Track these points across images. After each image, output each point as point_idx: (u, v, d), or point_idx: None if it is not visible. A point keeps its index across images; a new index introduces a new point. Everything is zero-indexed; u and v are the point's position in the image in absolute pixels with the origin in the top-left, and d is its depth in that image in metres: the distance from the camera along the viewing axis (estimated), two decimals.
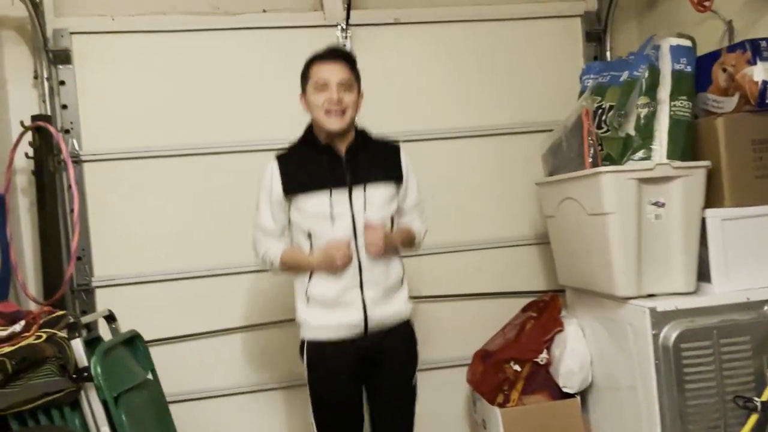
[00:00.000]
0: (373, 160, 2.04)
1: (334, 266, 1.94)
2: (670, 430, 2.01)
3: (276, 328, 2.71)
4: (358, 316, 1.97)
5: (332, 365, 2.00)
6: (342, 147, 2.03)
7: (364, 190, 1.98)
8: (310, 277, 2.00)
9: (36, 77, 2.60)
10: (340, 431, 2.04)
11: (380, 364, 2.02)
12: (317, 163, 2.00)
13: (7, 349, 1.82)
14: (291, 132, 2.69)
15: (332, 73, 1.97)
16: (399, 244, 2.08)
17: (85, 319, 2.08)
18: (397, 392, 2.07)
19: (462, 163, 2.89)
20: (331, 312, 1.99)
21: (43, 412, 1.85)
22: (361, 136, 2.08)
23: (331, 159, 2.00)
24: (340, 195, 1.96)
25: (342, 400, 2.02)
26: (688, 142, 2.19)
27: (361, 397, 2.07)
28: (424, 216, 2.20)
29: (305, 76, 2.04)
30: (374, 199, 1.99)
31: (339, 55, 2.03)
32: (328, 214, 1.95)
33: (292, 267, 2.05)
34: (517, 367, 2.44)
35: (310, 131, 2.06)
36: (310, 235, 1.99)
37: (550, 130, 2.55)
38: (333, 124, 1.97)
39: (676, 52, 2.20)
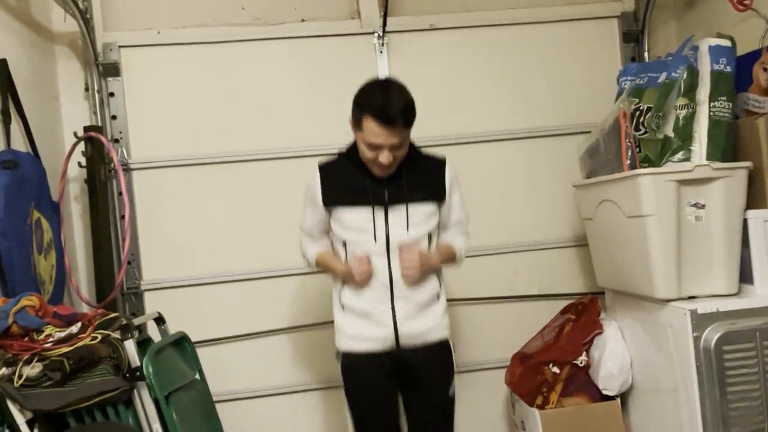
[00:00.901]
0: (416, 178, 2.02)
1: (353, 280, 1.99)
2: None
3: (318, 330, 2.77)
4: (388, 330, 2.00)
5: (367, 377, 2.04)
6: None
7: (406, 210, 1.99)
8: (342, 285, 2.05)
9: (87, 89, 2.72)
10: None
11: (415, 379, 2.04)
12: (358, 179, 2.01)
13: (66, 349, 1.91)
14: (329, 138, 2.79)
15: (385, 140, 1.90)
16: (439, 263, 2.07)
17: (136, 321, 2.16)
18: (435, 406, 2.07)
19: (499, 166, 2.91)
20: (364, 321, 2.03)
21: (98, 409, 1.93)
22: (408, 155, 2.02)
23: (372, 179, 2.00)
24: (377, 212, 1.99)
25: (377, 409, 2.05)
26: (728, 143, 2.18)
27: (398, 406, 2.09)
28: (468, 232, 2.19)
29: (358, 122, 1.95)
30: (412, 219, 2.00)
31: (395, 121, 1.90)
32: (364, 230, 1.99)
33: (324, 269, 2.14)
34: (556, 370, 2.44)
35: (357, 153, 2.01)
36: (345, 244, 2.04)
37: (588, 132, 2.56)
38: (379, 175, 1.98)
39: (715, 52, 2.19)
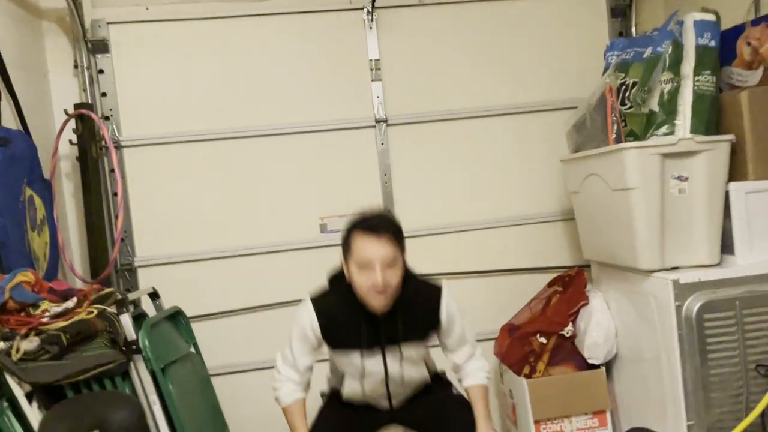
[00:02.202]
0: (411, 317, 1.96)
1: None
2: (693, 399, 2.07)
3: None
4: (384, 407, 2.10)
5: (352, 409, 2.09)
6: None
7: (399, 350, 1.98)
8: (341, 383, 2.08)
9: (76, 66, 2.71)
10: None
11: (410, 415, 2.11)
12: (355, 322, 1.94)
13: (62, 323, 1.94)
14: (320, 114, 2.81)
15: (376, 253, 1.84)
16: (490, 417, 2.06)
17: (131, 296, 2.20)
18: (446, 409, 2.09)
19: (487, 141, 2.94)
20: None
21: (96, 382, 1.97)
22: (403, 288, 1.94)
23: (369, 321, 1.94)
24: (374, 354, 1.97)
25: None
26: (712, 117, 2.22)
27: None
28: (478, 349, 2.13)
29: (347, 246, 1.91)
30: (406, 357, 2.00)
31: (383, 229, 1.88)
32: (360, 370, 1.99)
33: (287, 419, 2.05)
34: (543, 340, 2.50)
35: (350, 287, 1.93)
36: (344, 376, 2.06)
37: (575, 107, 2.59)
38: (376, 304, 1.89)
39: (700, 26, 2.21)
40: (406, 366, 2.01)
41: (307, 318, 1.97)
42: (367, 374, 2.00)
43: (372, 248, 1.85)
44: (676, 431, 2.11)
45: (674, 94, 2.21)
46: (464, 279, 2.93)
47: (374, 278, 1.84)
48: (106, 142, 2.59)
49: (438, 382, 2.18)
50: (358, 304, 1.92)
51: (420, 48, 2.89)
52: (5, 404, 1.90)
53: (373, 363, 1.98)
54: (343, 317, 1.96)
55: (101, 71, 2.72)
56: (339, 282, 1.98)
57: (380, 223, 1.90)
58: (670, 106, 2.22)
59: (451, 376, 2.22)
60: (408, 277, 1.97)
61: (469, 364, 2.09)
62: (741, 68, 2.22)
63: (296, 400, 2.01)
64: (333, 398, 2.16)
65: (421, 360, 2.08)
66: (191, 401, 2.21)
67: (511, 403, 2.64)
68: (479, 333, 2.85)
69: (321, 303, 1.99)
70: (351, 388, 2.06)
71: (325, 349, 2.03)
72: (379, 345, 1.96)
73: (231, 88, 2.80)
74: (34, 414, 1.88)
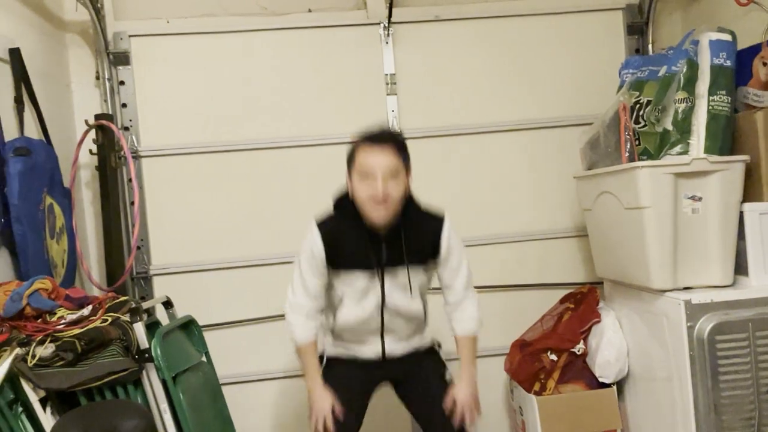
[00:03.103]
0: (413, 239, 1.98)
1: (311, 406, 2.03)
2: (704, 421, 2.05)
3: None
4: (375, 353, 2.09)
5: (346, 379, 2.09)
6: (383, 228, 1.97)
7: (408, 274, 2.00)
8: (335, 316, 2.08)
9: (98, 78, 2.77)
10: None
11: (403, 378, 2.11)
12: (358, 240, 1.97)
13: (77, 331, 1.98)
14: (337, 128, 2.84)
15: (378, 162, 1.86)
16: (475, 369, 2.09)
17: (145, 305, 2.23)
18: (435, 393, 2.09)
19: (502, 156, 2.95)
20: (350, 347, 2.11)
21: (108, 389, 2.00)
22: (406, 209, 1.98)
23: (372, 239, 1.97)
24: (375, 275, 1.99)
25: (347, 404, 2.05)
26: (726, 137, 2.21)
27: (365, 407, 2.13)
28: (472, 295, 2.12)
29: (351, 160, 1.93)
30: (414, 282, 2.02)
31: (386, 139, 1.90)
32: (362, 291, 2.01)
33: (300, 360, 2.09)
34: (553, 357, 2.49)
35: (353, 205, 1.95)
36: (342, 300, 2.06)
37: (590, 124, 2.59)
38: (377, 216, 1.89)
39: (716, 46, 2.21)
40: (406, 293, 2.01)
41: (312, 239, 1.99)
42: (366, 296, 2.00)
43: (374, 157, 1.86)
44: None
45: (688, 113, 2.21)
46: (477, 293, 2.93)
47: (375, 188, 1.85)
48: (124, 153, 2.64)
49: (434, 355, 2.17)
50: (362, 224, 1.94)
51: (435, 63, 2.91)
52: (20, 409, 1.94)
53: (374, 283, 1.99)
54: (346, 237, 1.97)
55: (122, 83, 2.78)
56: (343, 204, 2.00)
57: (384, 135, 1.93)
58: (684, 126, 2.21)
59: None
60: (412, 201, 2.00)
61: (462, 308, 2.09)
62: (757, 88, 2.21)
63: (310, 342, 2.04)
64: (331, 362, 2.15)
65: (417, 291, 2.05)
66: (202, 410, 2.23)
67: (521, 420, 2.62)
68: (490, 348, 2.89)
69: (325, 223, 2.01)
70: (346, 316, 2.04)
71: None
72: (380, 266, 1.97)
73: (248, 100, 2.84)
74: (47, 420, 1.91)
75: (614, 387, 2.46)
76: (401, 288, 2.02)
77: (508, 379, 2.79)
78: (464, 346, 2.09)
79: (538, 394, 2.47)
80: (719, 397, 2.04)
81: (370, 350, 2.10)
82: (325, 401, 2.00)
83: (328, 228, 2.00)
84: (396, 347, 2.10)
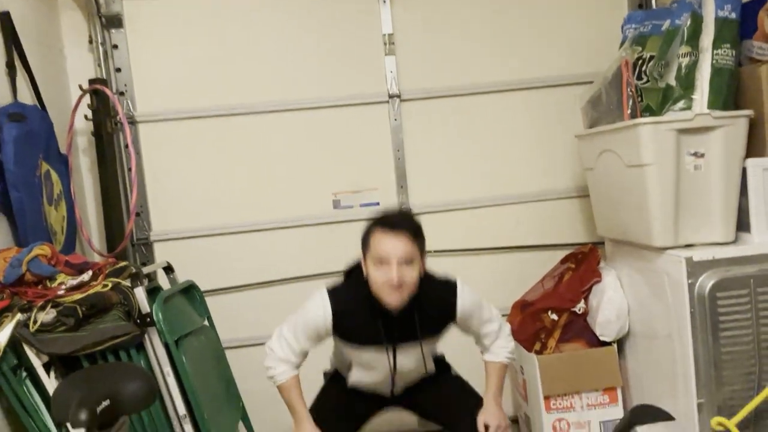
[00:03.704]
0: (426, 317, 1.95)
1: None
2: (704, 377, 2.05)
3: (322, 279, 2.83)
4: (386, 393, 2.13)
5: (353, 393, 2.12)
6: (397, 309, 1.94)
7: (421, 350, 1.99)
8: (347, 373, 2.10)
9: (91, 42, 2.73)
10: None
11: (410, 398, 2.14)
12: (369, 318, 1.94)
13: (78, 296, 1.99)
14: (333, 90, 2.80)
15: (393, 248, 1.83)
16: (501, 395, 2.09)
17: (146, 270, 2.23)
18: (445, 392, 2.12)
19: (502, 116, 2.91)
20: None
21: (111, 353, 2.02)
22: (419, 289, 1.92)
23: (385, 321, 1.93)
24: (385, 350, 1.98)
25: (351, 413, 2.10)
26: (730, 91, 2.17)
27: (368, 418, 2.18)
28: (505, 328, 2.12)
29: (366, 243, 1.90)
30: (418, 354, 2.01)
31: (401, 226, 1.87)
32: (370, 362, 2.01)
33: (284, 398, 2.05)
34: (554, 317, 2.50)
35: (367, 283, 1.91)
36: (350, 365, 2.07)
37: (591, 82, 2.55)
38: (391, 301, 1.86)
39: None
40: (413, 363, 2.03)
41: (322, 310, 1.94)
42: (376, 367, 2.02)
43: (389, 244, 1.83)
44: (686, 409, 2.11)
45: (692, 68, 2.17)
46: (477, 255, 2.93)
47: (390, 274, 1.82)
48: (120, 118, 2.61)
49: (439, 365, 2.20)
50: (375, 302, 1.91)
51: (434, 22, 2.85)
52: (24, 374, 1.96)
53: (383, 358, 1.99)
54: (358, 313, 1.94)
55: (115, 46, 2.74)
56: (356, 277, 1.96)
57: (400, 221, 1.89)
58: (687, 81, 2.17)
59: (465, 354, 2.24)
60: (425, 277, 1.96)
61: (495, 344, 2.09)
62: (762, 41, 2.16)
63: (292, 377, 2.02)
64: (335, 379, 2.19)
65: (430, 354, 2.10)
66: (205, 373, 2.25)
67: (522, 379, 2.65)
68: None
69: (337, 297, 1.96)
70: (357, 378, 2.08)
71: (330, 340, 2.05)
72: (392, 343, 1.97)
73: (245, 62, 2.80)
74: (51, 384, 1.94)
75: (615, 345, 2.47)
76: (414, 359, 2.01)
77: None
78: (494, 371, 2.09)
79: (538, 353, 2.48)
80: (719, 353, 2.05)
81: (379, 392, 2.14)
82: None
83: (340, 301, 1.96)
84: (404, 386, 2.15)
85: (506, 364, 2.09)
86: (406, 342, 1.98)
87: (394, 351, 1.98)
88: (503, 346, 2.09)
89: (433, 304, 1.97)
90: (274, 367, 2.02)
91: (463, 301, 1.98)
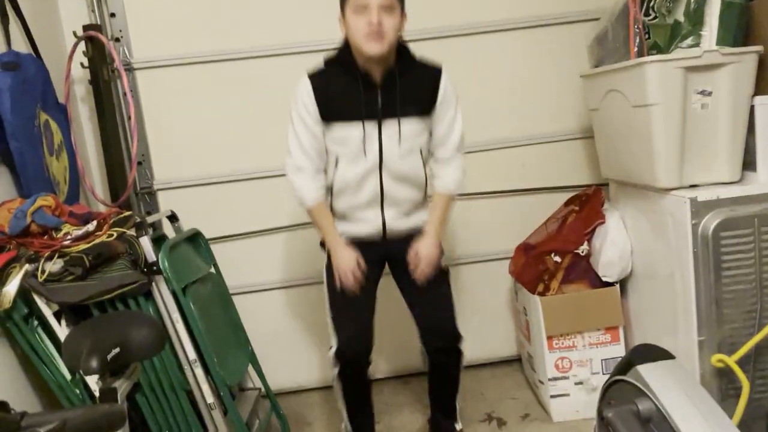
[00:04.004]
0: (410, 88, 1.97)
1: (337, 267, 2.05)
2: (705, 315, 2.07)
3: None
4: (377, 228, 2.08)
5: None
6: (379, 73, 1.97)
7: (399, 125, 1.98)
8: (332, 192, 2.07)
9: None
10: (352, 317, 2.11)
11: (402, 259, 2.11)
12: (352, 89, 1.95)
13: (84, 246, 2.00)
14: (335, 33, 2.72)
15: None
16: (442, 231, 2.10)
17: (150, 219, 2.24)
18: (431, 285, 2.12)
19: (506, 57, 2.85)
20: (351, 224, 2.10)
21: (120, 301, 2.05)
22: (402, 58, 1.99)
23: (366, 87, 1.96)
24: (371, 127, 1.97)
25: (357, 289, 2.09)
26: (740, 27, 2.10)
27: (376, 288, 2.17)
28: (460, 157, 2.12)
29: None
30: (405, 133, 1.99)
31: None
32: (358, 146, 1.98)
33: (316, 223, 2.09)
34: (557, 259, 2.51)
35: (347, 52, 1.97)
36: (337, 161, 2.03)
37: (598, 19, 2.48)
38: (372, 48, 1.88)
39: None
40: (402, 146, 2.01)
41: (303, 90, 1.98)
42: (365, 149, 1.99)
43: None
44: (686, 346, 2.14)
45: (701, 3, 2.10)
46: (481, 199, 2.93)
47: (371, 18, 1.84)
48: (116, 65, 2.56)
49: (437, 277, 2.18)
50: (356, 72, 1.95)
51: None
52: (35, 323, 2.00)
53: (371, 136, 1.98)
54: (339, 86, 1.97)
55: None
56: (335, 57, 2.01)
57: None
58: (696, 16, 2.11)
59: None
60: (407, 51, 2.02)
61: (448, 167, 2.10)
62: None
63: (319, 202, 2.05)
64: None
65: (417, 148, 2.05)
66: (213, 319, 2.29)
67: (525, 320, 2.68)
68: (495, 252, 2.92)
69: (316, 75, 2.00)
70: (342, 177, 2.03)
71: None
72: (376, 117, 1.97)
73: (243, 4, 2.72)
74: (63, 331, 1.98)
75: (617, 285, 2.49)
76: (399, 141, 1.99)
77: (512, 282, 2.83)
78: (439, 202, 2.11)
79: (541, 294, 2.50)
80: (721, 292, 2.06)
81: (370, 226, 2.09)
82: (350, 257, 2.03)
83: (319, 78, 1.99)
84: (397, 223, 2.10)
85: (452, 195, 2.12)
86: (391, 117, 1.98)
87: (379, 125, 1.98)
88: (455, 175, 2.11)
89: (417, 77, 2.00)
90: (298, 184, 2.04)
91: (447, 82, 2.03)
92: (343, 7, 1.94)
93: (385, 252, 2.15)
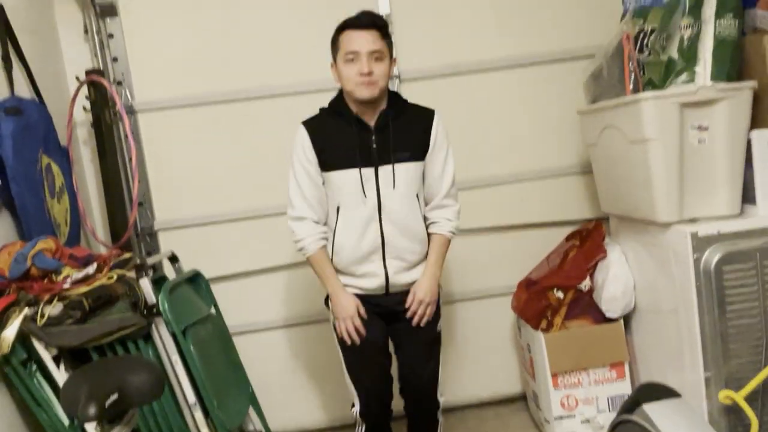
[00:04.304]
0: (403, 132, 2.01)
1: (336, 315, 2.07)
2: (711, 350, 2.05)
3: None
4: (379, 283, 2.07)
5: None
6: (372, 118, 2.02)
7: (393, 170, 2.00)
8: (333, 246, 2.07)
9: (86, 32, 2.70)
10: (368, 371, 2.12)
11: (403, 319, 2.09)
12: (347, 135, 2.00)
13: (84, 288, 2.00)
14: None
15: (362, 43, 1.94)
16: (439, 273, 2.11)
17: (150, 261, 2.24)
18: (424, 343, 2.12)
19: (504, 93, 2.87)
20: (354, 279, 2.09)
21: (120, 344, 2.03)
22: (394, 103, 2.06)
23: (361, 132, 2.00)
24: (368, 173, 2.00)
25: (366, 342, 2.07)
26: (734, 63, 2.13)
27: (386, 339, 2.14)
28: (454, 201, 2.14)
29: (335, 45, 2.01)
30: (399, 177, 2.01)
31: (369, 22, 1.97)
32: (357, 191, 2.00)
33: (317, 271, 2.10)
34: (560, 294, 2.49)
35: (340, 100, 2.05)
36: (338, 209, 2.04)
37: (593, 56, 2.51)
38: (363, 93, 1.96)
39: None
40: (398, 190, 2.01)
41: (300, 139, 2.04)
42: (362, 197, 2.00)
43: (359, 39, 1.94)
44: (693, 382, 2.11)
45: (694, 40, 2.13)
46: (481, 234, 2.92)
47: (361, 66, 1.92)
48: (118, 108, 2.59)
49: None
50: (350, 117, 2.01)
51: (431, 1, 2.81)
52: (34, 367, 1.98)
53: (368, 183, 2.00)
54: (334, 132, 2.02)
55: (111, 35, 2.71)
56: (329, 106, 2.09)
57: (368, 20, 1.98)
58: (689, 53, 2.13)
59: None
60: (399, 97, 2.10)
61: (442, 211, 2.11)
62: (766, 10, 2.12)
63: (320, 249, 2.06)
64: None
65: (413, 193, 2.05)
66: (213, 361, 2.26)
67: (529, 357, 2.65)
68: (497, 288, 2.90)
69: (312, 122, 2.07)
70: (343, 228, 2.03)
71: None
72: (373, 162, 2.00)
73: (241, 47, 2.77)
74: (61, 376, 1.96)
75: (621, 321, 2.47)
76: (395, 187, 2.01)
77: (515, 318, 2.81)
78: (435, 244, 2.11)
79: (545, 331, 2.48)
80: (726, 327, 2.04)
81: (373, 281, 2.07)
82: (350, 304, 2.03)
83: (315, 124, 2.06)
84: (399, 277, 2.08)
85: (449, 238, 2.12)
86: (386, 163, 2.01)
87: (376, 173, 2.01)
88: (450, 217, 2.11)
89: (410, 121, 2.05)
90: (300, 233, 2.05)
91: (439, 126, 2.07)
92: (335, 57, 2.02)
93: (385, 308, 2.12)
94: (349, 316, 2.03)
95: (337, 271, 2.10)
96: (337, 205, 2.05)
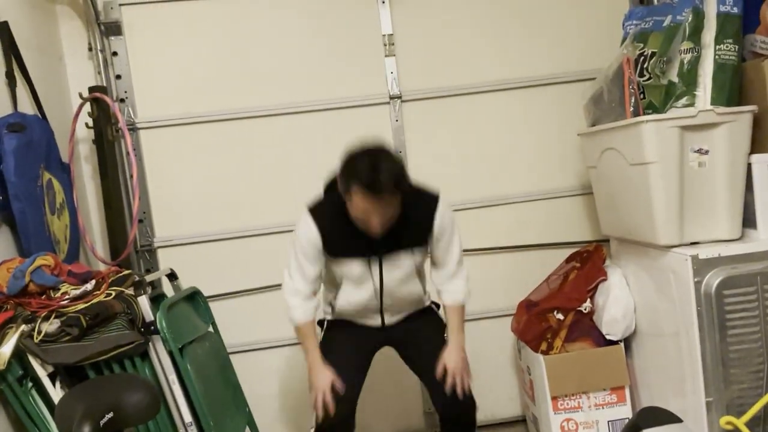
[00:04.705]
0: (407, 225, 1.97)
1: (312, 387, 2.06)
2: (712, 375, 2.04)
3: None
4: (376, 324, 2.16)
5: (347, 339, 2.15)
6: None
7: (397, 258, 2.03)
8: (335, 295, 2.13)
9: (90, 49, 2.72)
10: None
11: (404, 339, 2.16)
12: (353, 230, 1.95)
13: (81, 306, 1.99)
14: (334, 93, 2.79)
15: (375, 209, 1.84)
16: (463, 337, 2.13)
17: (149, 278, 2.23)
18: (436, 349, 2.11)
19: (504, 115, 2.89)
20: (352, 319, 2.17)
21: (116, 362, 2.02)
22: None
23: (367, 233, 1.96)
24: (373, 261, 2.02)
25: (352, 352, 2.12)
26: (734, 87, 2.15)
27: (366, 371, 2.17)
28: (463, 269, 2.15)
29: (346, 189, 1.85)
30: (404, 266, 2.04)
31: (383, 190, 1.80)
32: (361, 276, 2.04)
33: (301, 340, 2.14)
34: (560, 316, 2.48)
35: (345, 206, 1.93)
36: (342, 282, 2.09)
37: (593, 79, 2.53)
38: (373, 235, 1.93)
39: None
40: (401, 276, 2.05)
41: (307, 231, 2.01)
42: (364, 282, 2.04)
43: (372, 208, 1.83)
44: (695, 407, 2.09)
45: (694, 64, 2.14)
46: (481, 255, 2.91)
47: (373, 226, 1.88)
48: (120, 125, 2.60)
49: (432, 314, 2.24)
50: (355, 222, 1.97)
51: (434, 22, 2.84)
52: (30, 384, 1.97)
53: (372, 270, 2.03)
54: (341, 226, 1.98)
55: (115, 53, 2.73)
56: (335, 191, 1.94)
57: (382, 185, 1.79)
58: (690, 77, 2.15)
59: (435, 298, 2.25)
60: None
61: (452, 282, 2.13)
62: (765, 35, 2.14)
63: (309, 321, 2.08)
64: (332, 325, 2.21)
65: (414, 272, 2.09)
66: (210, 380, 2.25)
67: (529, 380, 2.63)
68: (497, 309, 2.89)
69: (320, 215, 2.01)
70: (345, 299, 2.10)
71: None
72: (377, 253, 2.01)
73: (244, 66, 2.79)
74: (57, 394, 1.94)
75: (621, 344, 2.46)
76: (398, 273, 2.04)
77: (515, 340, 2.79)
78: (453, 313, 2.14)
79: (545, 353, 2.46)
80: (727, 351, 2.03)
81: (370, 322, 2.16)
82: (324, 378, 2.03)
83: (322, 216, 2.01)
84: (395, 318, 2.17)
85: (463, 304, 2.14)
86: (389, 252, 2.01)
87: (380, 262, 2.02)
88: (460, 287, 2.13)
89: (415, 214, 2.00)
90: (292, 303, 2.08)
91: (442, 214, 2.03)
92: (344, 191, 1.88)
93: (384, 336, 2.19)
94: (321, 389, 2.02)
95: (335, 311, 2.17)
96: (340, 277, 2.08)
